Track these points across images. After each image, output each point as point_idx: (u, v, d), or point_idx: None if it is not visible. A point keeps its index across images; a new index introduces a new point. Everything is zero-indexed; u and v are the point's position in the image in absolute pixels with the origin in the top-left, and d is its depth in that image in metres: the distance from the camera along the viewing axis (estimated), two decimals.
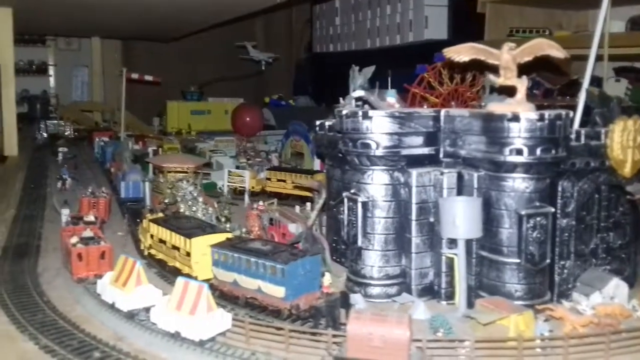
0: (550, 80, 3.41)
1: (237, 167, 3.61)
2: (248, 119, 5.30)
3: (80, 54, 7.74)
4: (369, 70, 2.35)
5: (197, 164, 3.30)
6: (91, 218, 2.16)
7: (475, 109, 2.72)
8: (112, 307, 1.63)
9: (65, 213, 2.46)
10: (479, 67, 2.34)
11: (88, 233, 1.93)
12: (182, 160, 3.29)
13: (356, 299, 1.75)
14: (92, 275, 1.81)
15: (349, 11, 6.02)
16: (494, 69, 1.92)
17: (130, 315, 1.58)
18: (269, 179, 3.28)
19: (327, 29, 6.52)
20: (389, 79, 3.14)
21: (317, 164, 3.67)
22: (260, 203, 2.57)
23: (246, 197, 3.16)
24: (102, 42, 7.03)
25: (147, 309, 1.58)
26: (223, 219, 2.42)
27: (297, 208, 2.72)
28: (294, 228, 2.30)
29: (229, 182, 3.29)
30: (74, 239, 1.87)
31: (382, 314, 1.34)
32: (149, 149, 4.01)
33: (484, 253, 1.75)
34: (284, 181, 3.20)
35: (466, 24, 4.67)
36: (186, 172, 3.16)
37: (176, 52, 7.49)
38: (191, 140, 5.14)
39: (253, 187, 3.28)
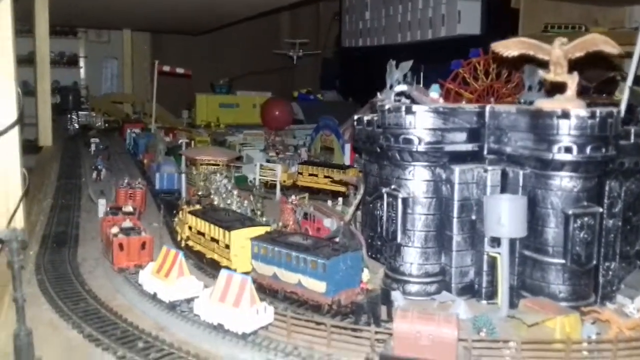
0: (586, 78, 3.34)
1: (268, 161, 3.61)
2: (277, 112, 5.31)
3: (110, 46, 7.81)
4: (407, 64, 2.32)
5: (230, 157, 3.30)
6: (130, 209, 2.18)
7: (513, 104, 2.68)
8: (153, 297, 1.63)
9: (102, 203, 2.49)
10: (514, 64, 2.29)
11: (128, 223, 1.94)
12: (215, 153, 3.30)
13: (396, 296, 1.73)
14: (133, 265, 1.82)
15: (379, 5, 5.97)
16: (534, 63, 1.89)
17: (172, 306, 1.58)
18: (300, 173, 3.27)
19: (357, 23, 6.47)
20: (422, 74, 3.12)
21: (347, 159, 3.66)
22: (294, 197, 2.56)
23: (277, 191, 3.15)
24: (132, 35, 7.08)
25: (189, 301, 1.59)
26: (258, 213, 2.42)
27: (330, 202, 2.71)
28: (329, 223, 2.28)
29: (260, 175, 3.29)
30: (115, 229, 1.88)
31: (429, 312, 1.32)
32: (180, 141, 4.03)
33: (528, 253, 1.72)
34: (316, 175, 3.19)
35: (500, 19, 4.59)
36: (218, 165, 3.17)
37: (204, 45, 7.52)
38: (220, 133, 5.16)
39: (284, 181, 3.28)
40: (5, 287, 1.67)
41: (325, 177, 3.12)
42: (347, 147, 3.67)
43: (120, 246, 1.81)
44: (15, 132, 1.95)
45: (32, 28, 4.46)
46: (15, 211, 1.90)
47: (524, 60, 1.81)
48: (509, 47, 1.71)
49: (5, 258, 1.62)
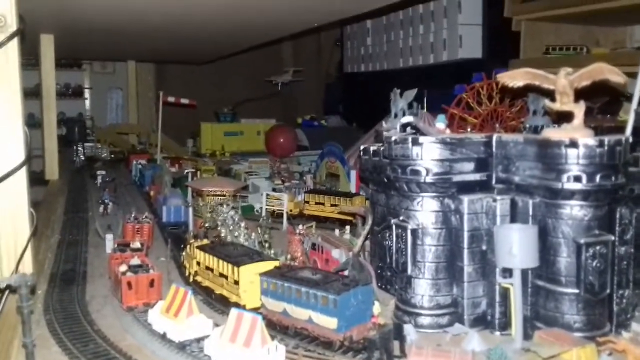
0: (589, 98, 3.34)
1: (274, 190, 3.61)
2: (282, 139, 5.33)
3: (115, 77, 7.90)
4: (411, 93, 2.32)
5: (236, 187, 3.31)
6: (137, 245, 2.17)
7: (518, 130, 2.68)
8: (163, 337, 1.62)
9: (109, 238, 2.48)
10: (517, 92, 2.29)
11: (136, 260, 1.94)
12: (221, 183, 3.30)
13: (409, 330, 1.71)
14: (142, 303, 1.81)
15: (380, 31, 6.03)
16: (540, 92, 1.89)
17: (182, 346, 1.56)
18: (307, 201, 3.27)
19: (358, 49, 6.53)
20: (425, 99, 3.13)
21: (353, 186, 3.65)
22: (301, 227, 2.55)
23: (284, 220, 3.14)
24: (136, 65, 7.16)
25: (199, 340, 1.57)
26: (266, 245, 2.40)
27: (337, 232, 2.70)
28: (337, 254, 2.27)
29: (267, 205, 3.28)
30: (123, 267, 1.87)
31: (444, 348, 1.30)
32: (185, 172, 4.04)
33: (541, 283, 1.70)
34: (323, 204, 3.18)
35: (501, 42, 4.63)
36: (225, 196, 3.17)
37: (208, 74, 7.60)
38: (225, 161, 5.18)
39: (291, 210, 3.27)
40: (15, 330, 1.66)
41: (332, 205, 3.12)
42: (353, 173, 3.66)
43: (129, 284, 1.80)
44: (23, 173, 1.95)
45: (38, 61, 4.52)
46: (23, 253, 1.89)
47: (527, 89, 1.81)
48: (514, 78, 1.71)
49: (14, 301, 1.61)
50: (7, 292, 1.81)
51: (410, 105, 2.16)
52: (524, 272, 1.69)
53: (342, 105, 7.22)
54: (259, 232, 2.53)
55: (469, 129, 2.90)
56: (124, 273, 1.84)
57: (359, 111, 6.48)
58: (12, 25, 1.94)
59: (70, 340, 1.66)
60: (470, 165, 1.81)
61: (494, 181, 1.82)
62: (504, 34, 4.49)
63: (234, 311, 1.49)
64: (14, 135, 1.99)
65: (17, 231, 1.95)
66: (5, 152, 1.96)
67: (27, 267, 1.95)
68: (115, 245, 2.21)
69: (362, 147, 2.25)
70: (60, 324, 1.78)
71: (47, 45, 4.40)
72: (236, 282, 1.85)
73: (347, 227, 2.72)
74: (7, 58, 1.96)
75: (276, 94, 7.31)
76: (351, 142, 4.38)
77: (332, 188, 3.82)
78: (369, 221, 2.16)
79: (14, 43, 1.98)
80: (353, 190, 3.56)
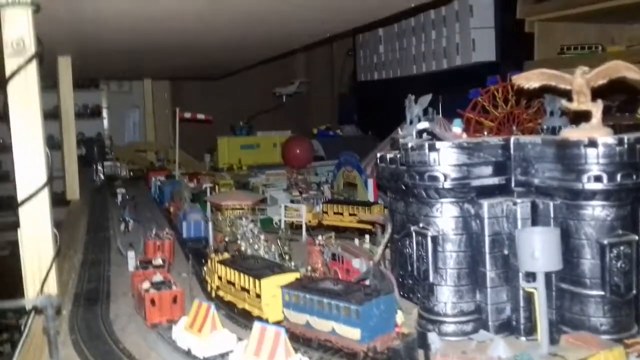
0: (606, 97, 3.31)
1: (292, 201, 3.61)
2: (298, 150, 5.34)
3: (132, 96, 8.03)
4: (426, 99, 2.31)
5: (255, 200, 3.32)
6: (159, 261, 2.19)
7: (536, 132, 2.65)
8: (187, 353, 1.62)
9: (131, 256, 2.50)
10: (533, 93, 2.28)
11: (158, 277, 1.95)
12: (239, 197, 3.32)
13: (433, 338, 1.69)
14: (165, 320, 1.82)
15: (392, 38, 6.04)
16: (556, 93, 1.87)
17: None
18: (325, 212, 3.27)
19: (371, 58, 6.55)
20: (440, 104, 3.12)
21: (370, 195, 3.64)
22: (320, 237, 2.55)
23: (303, 231, 3.15)
24: (152, 83, 7.26)
25: (223, 355, 1.57)
26: (287, 257, 2.41)
27: (357, 241, 2.69)
28: (358, 264, 2.26)
29: (285, 217, 3.29)
30: (146, 284, 1.89)
31: (469, 356, 1.29)
32: (204, 186, 4.06)
33: (565, 286, 1.68)
34: (341, 214, 3.18)
35: (515, 44, 4.61)
36: (243, 209, 3.18)
37: (222, 89, 7.67)
38: (243, 175, 5.20)
39: (310, 221, 3.27)
40: (42, 351, 1.68)
41: (351, 215, 3.11)
42: (370, 182, 3.66)
43: (152, 302, 1.81)
44: (45, 194, 1.98)
45: (57, 83, 4.60)
46: (47, 274, 1.92)
47: (543, 90, 1.80)
48: (530, 79, 1.70)
49: (40, 322, 1.63)
50: (33, 313, 1.84)
51: (425, 112, 2.16)
52: (548, 276, 1.66)
53: (356, 114, 7.23)
54: (279, 244, 2.54)
55: (485, 133, 2.88)
56: (147, 290, 1.85)
57: (374, 119, 6.48)
58: (31, 48, 1.98)
59: (96, 359, 1.68)
60: (488, 169, 1.79)
61: (513, 184, 1.80)
62: (518, 36, 4.48)
63: (257, 325, 1.49)
64: (35, 157, 2.02)
65: (41, 252, 1.98)
66: (28, 174, 1.99)
67: (52, 287, 1.98)
68: (138, 263, 2.22)
69: (378, 155, 2.25)
70: (86, 343, 1.79)
71: (65, 67, 4.47)
72: (258, 296, 1.86)
73: (367, 236, 2.72)
74: (27, 81, 2.00)
75: (281, 106, 7.35)
76: (367, 150, 4.38)
77: (350, 197, 3.81)
78: (388, 229, 2.15)
79: (33, 66, 2.02)
80: (371, 199, 3.56)
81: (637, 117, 3.67)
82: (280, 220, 3.29)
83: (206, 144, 6.75)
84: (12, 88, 1.99)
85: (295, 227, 3.20)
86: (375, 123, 6.31)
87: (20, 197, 1.99)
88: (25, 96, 1.99)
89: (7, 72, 1.97)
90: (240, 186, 4.50)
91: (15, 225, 2.01)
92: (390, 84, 6.19)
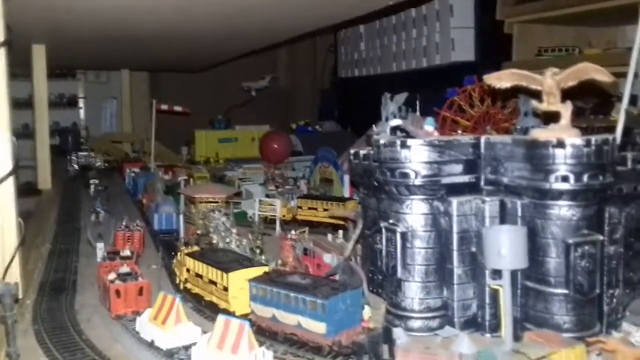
0: (581, 99, 3.34)
1: (267, 196, 3.60)
2: (276, 145, 5.32)
3: (109, 86, 7.91)
4: (401, 97, 2.32)
5: (229, 194, 3.30)
6: (127, 253, 2.16)
7: (510, 132, 2.67)
8: (151, 345, 1.60)
9: (100, 247, 2.47)
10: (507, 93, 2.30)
11: (125, 269, 1.93)
12: (213, 190, 3.29)
13: (398, 333, 1.70)
14: (130, 312, 1.80)
15: (373, 36, 6.04)
16: (530, 93, 1.88)
17: (170, 354, 1.55)
18: (300, 207, 3.26)
19: (352, 54, 6.54)
20: (417, 102, 3.12)
21: (346, 191, 3.65)
22: (293, 232, 2.55)
23: (277, 226, 3.14)
24: (130, 74, 7.16)
25: (187, 347, 1.56)
26: (258, 251, 2.40)
27: (330, 236, 2.69)
28: (329, 259, 2.26)
29: (260, 211, 3.27)
30: (112, 275, 1.86)
31: (430, 351, 1.29)
32: (179, 179, 4.03)
33: (530, 284, 1.69)
34: (315, 209, 3.17)
35: (494, 44, 4.64)
36: (217, 202, 3.16)
37: (202, 81, 7.60)
38: (219, 168, 5.17)
39: (284, 216, 3.26)
40: (1, 341, 1.65)
41: (325, 210, 3.11)
42: (346, 178, 3.66)
43: (117, 293, 1.79)
44: (10, 182, 1.94)
45: (31, 72, 4.52)
46: (9, 263, 1.88)
47: (516, 90, 1.81)
48: (501, 79, 1.71)
49: None
50: None
51: (400, 109, 2.16)
52: (513, 274, 1.68)
53: (337, 110, 7.23)
54: (251, 238, 2.53)
55: (459, 132, 2.89)
56: (112, 281, 1.83)
57: (354, 116, 6.49)
58: None
59: (58, 349, 1.65)
60: (458, 167, 1.80)
61: (482, 183, 1.81)
62: (497, 37, 4.50)
63: (220, 318, 1.48)
64: (1, 145, 1.98)
65: (5, 241, 1.94)
66: None
67: (15, 276, 1.94)
68: (105, 254, 2.19)
69: (352, 151, 2.25)
70: (48, 333, 1.76)
71: (39, 55, 4.40)
72: (225, 289, 1.84)
73: (340, 232, 2.72)
74: None
75: (250, 101, 7.33)
76: (345, 146, 4.36)
77: (326, 193, 3.81)
78: (359, 225, 2.15)
79: (1, 54, 1.98)
80: (347, 194, 3.56)
81: (611, 119, 3.72)
82: (254, 214, 3.28)
83: (184, 137, 6.69)
84: None
85: (269, 222, 3.19)
86: (354, 119, 6.31)
87: None
88: None
89: None
90: (216, 179, 4.47)
91: None
92: (371, 80, 6.19)
